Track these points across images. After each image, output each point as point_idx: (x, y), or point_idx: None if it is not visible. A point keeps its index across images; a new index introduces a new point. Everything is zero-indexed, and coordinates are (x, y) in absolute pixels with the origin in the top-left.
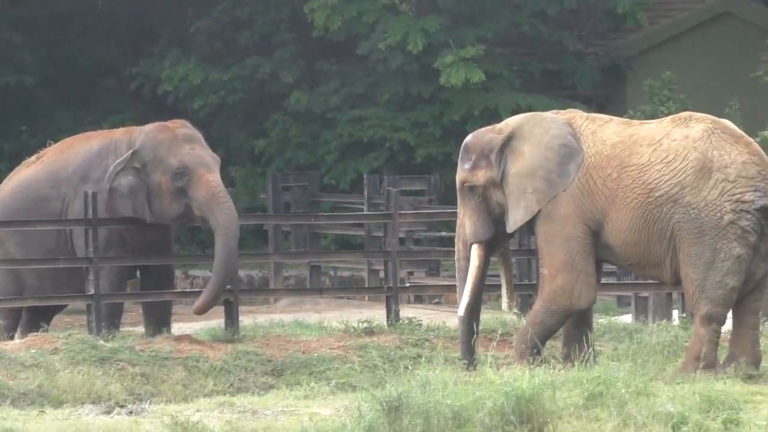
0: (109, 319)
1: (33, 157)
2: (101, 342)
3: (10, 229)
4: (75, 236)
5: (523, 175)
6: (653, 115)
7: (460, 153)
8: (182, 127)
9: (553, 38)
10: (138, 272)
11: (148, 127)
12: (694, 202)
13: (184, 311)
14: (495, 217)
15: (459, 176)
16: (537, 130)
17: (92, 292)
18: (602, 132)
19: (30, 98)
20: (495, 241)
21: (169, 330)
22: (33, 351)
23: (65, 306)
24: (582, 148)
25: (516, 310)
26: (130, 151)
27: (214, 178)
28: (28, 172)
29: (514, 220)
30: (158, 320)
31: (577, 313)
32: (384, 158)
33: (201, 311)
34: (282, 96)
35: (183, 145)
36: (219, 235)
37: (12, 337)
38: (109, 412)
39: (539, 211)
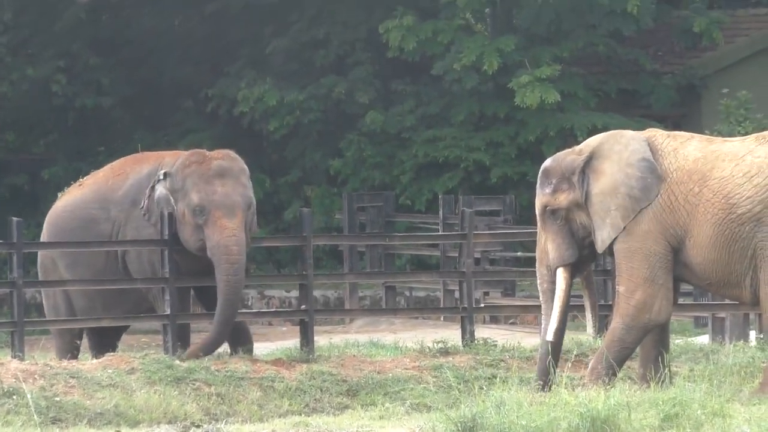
0: (182, 340)
1: (78, 181)
2: (177, 362)
3: (62, 249)
4: (129, 259)
5: (606, 194)
6: (730, 135)
7: (539, 177)
8: (222, 158)
9: (629, 57)
10: (192, 292)
11: (184, 155)
12: None
13: (259, 331)
14: (578, 240)
15: (540, 200)
16: (617, 147)
17: (167, 312)
18: (684, 148)
19: (108, 119)
20: (579, 263)
21: (251, 349)
22: (110, 371)
23: (127, 328)
24: (663, 165)
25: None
26: (162, 172)
27: (230, 224)
28: (76, 193)
29: (602, 239)
30: (236, 340)
31: (656, 328)
32: (459, 178)
33: (188, 357)
34: (357, 116)
35: (212, 181)
36: (219, 299)
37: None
38: None
39: None
